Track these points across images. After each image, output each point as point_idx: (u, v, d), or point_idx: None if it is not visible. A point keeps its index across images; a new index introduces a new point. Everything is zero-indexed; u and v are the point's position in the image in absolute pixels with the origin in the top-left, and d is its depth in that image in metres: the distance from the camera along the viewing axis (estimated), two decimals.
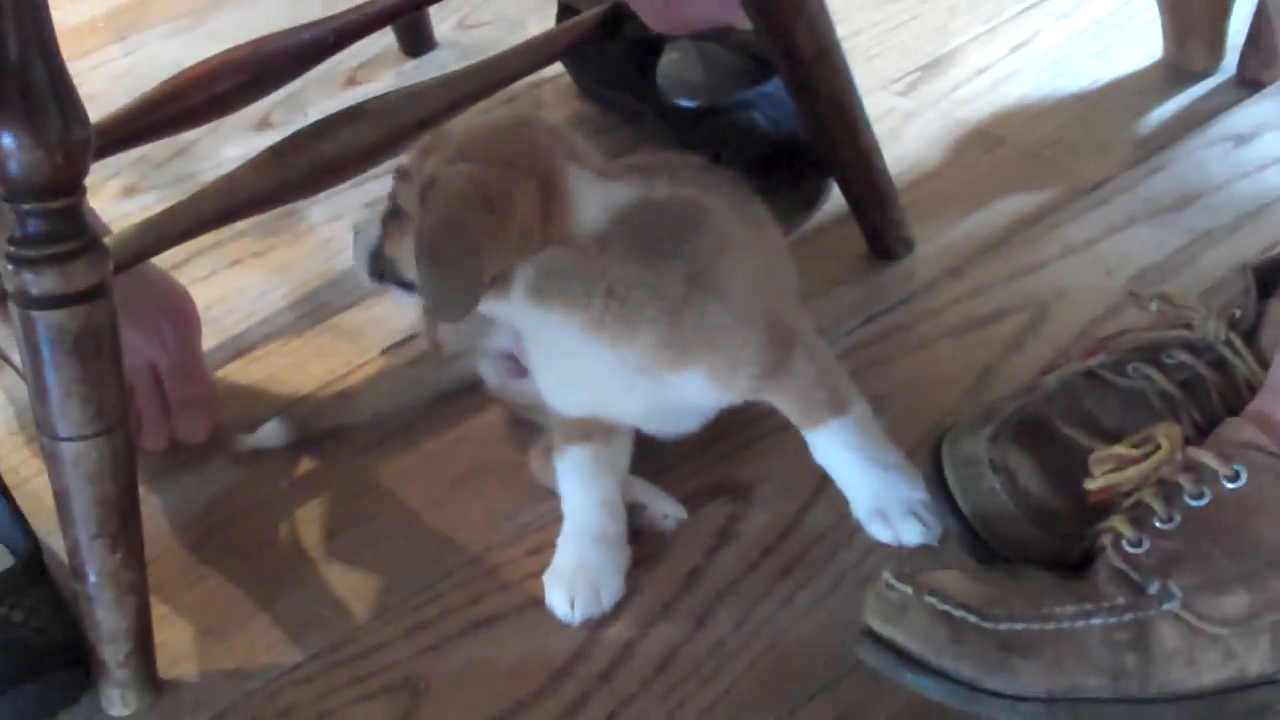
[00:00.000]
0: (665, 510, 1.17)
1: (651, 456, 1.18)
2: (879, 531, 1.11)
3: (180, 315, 1.29)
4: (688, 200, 1.07)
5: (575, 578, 1.11)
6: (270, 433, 1.27)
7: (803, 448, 1.13)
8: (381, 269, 1.09)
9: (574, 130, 1.06)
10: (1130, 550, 0.97)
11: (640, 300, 1.04)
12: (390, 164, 1.12)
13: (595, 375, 1.09)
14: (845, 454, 1.11)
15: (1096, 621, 0.95)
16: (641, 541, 1.14)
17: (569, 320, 1.05)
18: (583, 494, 1.13)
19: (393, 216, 1.07)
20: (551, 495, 1.16)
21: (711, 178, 1.14)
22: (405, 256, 1.05)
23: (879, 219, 1.38)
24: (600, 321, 1.04)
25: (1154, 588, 0.96)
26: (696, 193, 1.08)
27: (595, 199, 1.03)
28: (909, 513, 1.10)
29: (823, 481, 1.14)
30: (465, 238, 0.99)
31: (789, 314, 1.11)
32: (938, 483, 1.09)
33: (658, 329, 1.04)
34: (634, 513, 1.15)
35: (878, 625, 0.97)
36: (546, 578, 1.12)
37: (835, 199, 1.41)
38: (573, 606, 1.10)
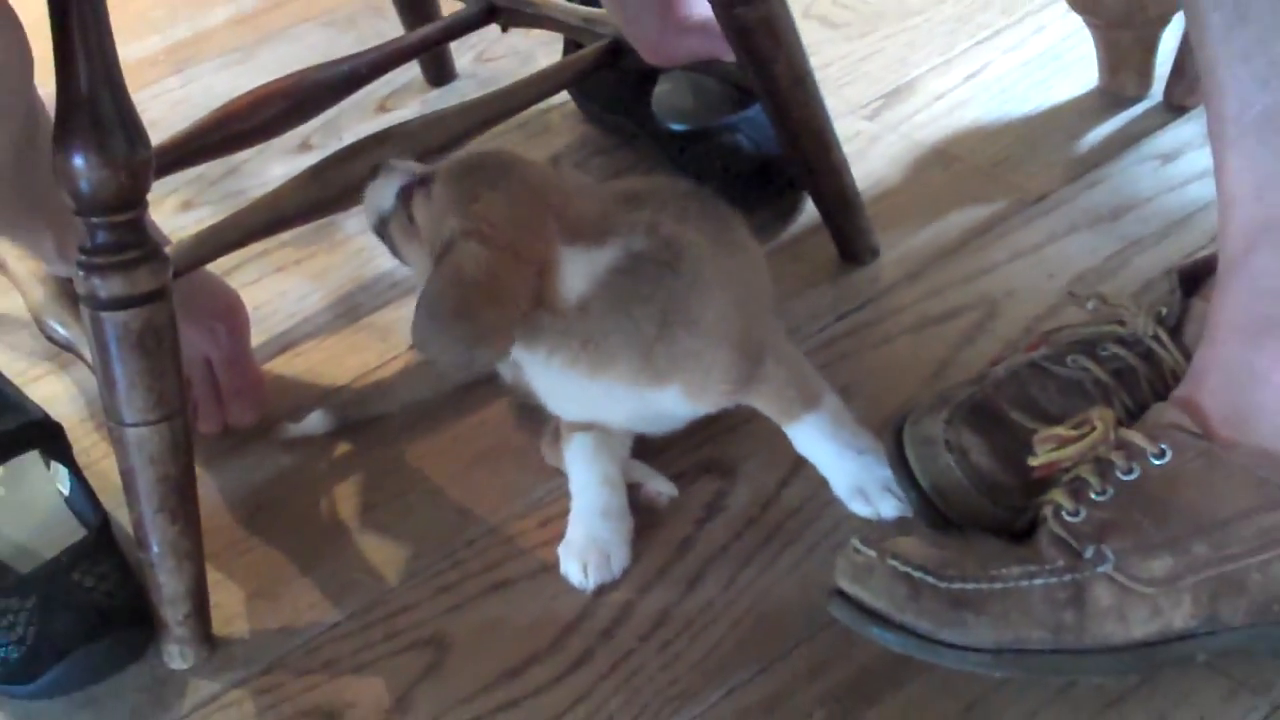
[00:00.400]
0: (658, 488, 1.17)
1: (646, 439, 1.18)
2: (860, 508, 1.10)
3: (231, 315, 1.29)
4: (665, 243, 1.04)
5: (587, 549, 1.11)
6: (314, 421, 1.26)
7: (782, 431, 1.13)
8: (382, 232, 1.10)
9: (569, 174, 1.04)
10: (1069, 519, 0.97)
11: (615, 343, 1.03)
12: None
13: (582, 394, 1.08)
14: (822, 443, 1.11)
15: (1039, 582, 0.95)
16: (639, 515, 1.14)
17: (550, 361, 1.05)
18: (587, 473, 1.13)
19: (403, 207, 1.07)
20: (560, 474, 1.16)
21: (694, 203, 1.12)
22: (404, 245, 1.07)
23: (848, 228, 1.37)
24: (577, 359, 1.04)
25: (1090, 552, 0.96)
26: (675, 227, 1.06)
27: (581, 272, 1.01)
28: (885, 490, 1.10)
29: (800, 461, 1.14)
30: (471, 323, 0.98)
31: (759, 328, 1.09)
32: (899, 460, 1.08)
33: (632, 362, 1.04)
34: (630, 491, 1.15)
35: (846, 585, 0.97)
36: (561, 550, 1.12)
37: (809, 210, 1.41)
38: (586, 574, 1.10)
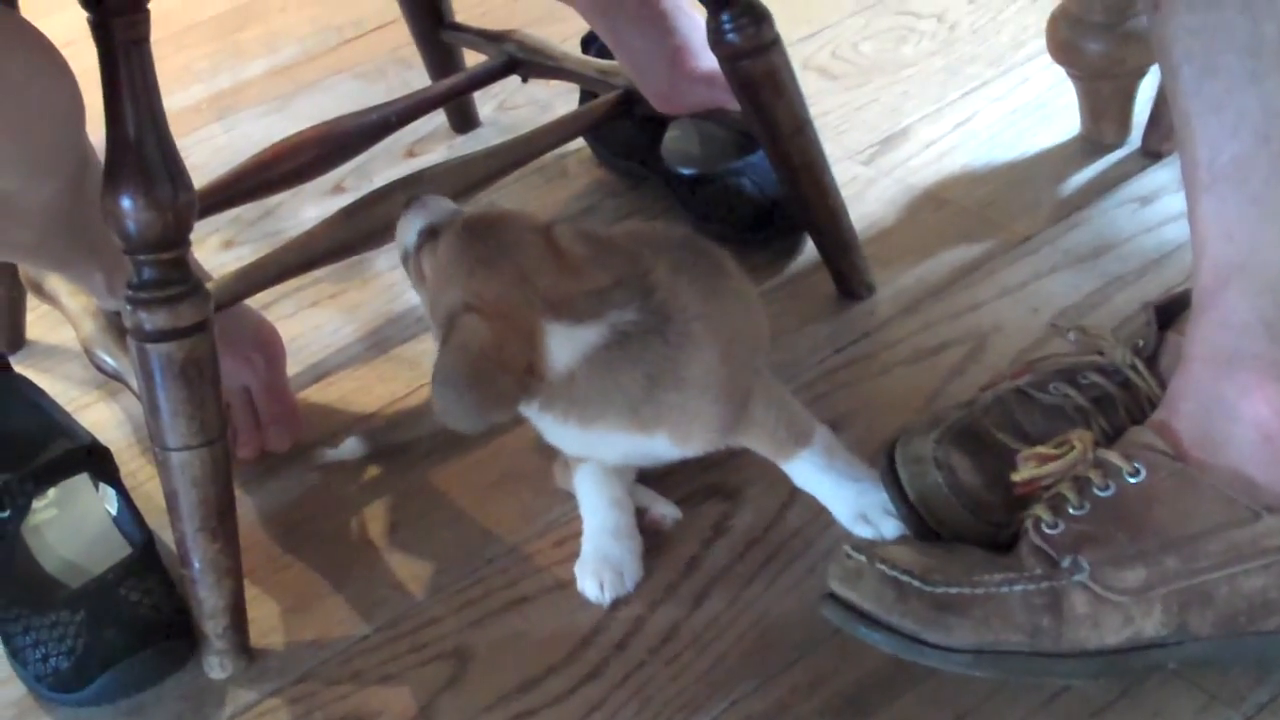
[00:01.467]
0: (663, 511, 1.17)
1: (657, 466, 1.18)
2: (863, 531, 1.09)
3: (269, 346, 1.29)
4: (654, 311, 1.02)
5: (601, 566, 1.11)
6: (349, 447, 1.27)
7: None
8: (406, 263, 1.11)
9: (568, 234, 1.03)
10: (1048, 531, 0.97)
11: (601, 404, 1.02)
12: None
13: (577, 438, 1.08)
14: (819, 476, 1.10)
15: (1018, 588, 0.95)
16: (647, 537, 1.14)
17: (542, 415, 1.05)
18: (597, 496, 1.13)
19: (417, 251, 1.08)
20: (572, 497, 1.17)
21: (689, 251, 1.10)
22: (416, 284, 1.10)
23: (845, 266, 1.37)
24: (568, 415, 1.04)
25: (1067, 562, 0.96)
26: (668, 290, 1.03)
27: (566, 347, 1.00)
28: (885, 513, 1.09)
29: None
30: (481, 391, 0.99)
31: (746, 376, 1.08)
32: (890, 477, 1.08)
33: (620, 418, 1.03)
34: (637, 515, 1.15)
35: (838, 587, 0.97)
36: (577, 569, 1.12)
37: (809, 250, 1.41)
38: (603, 589, 1.11)
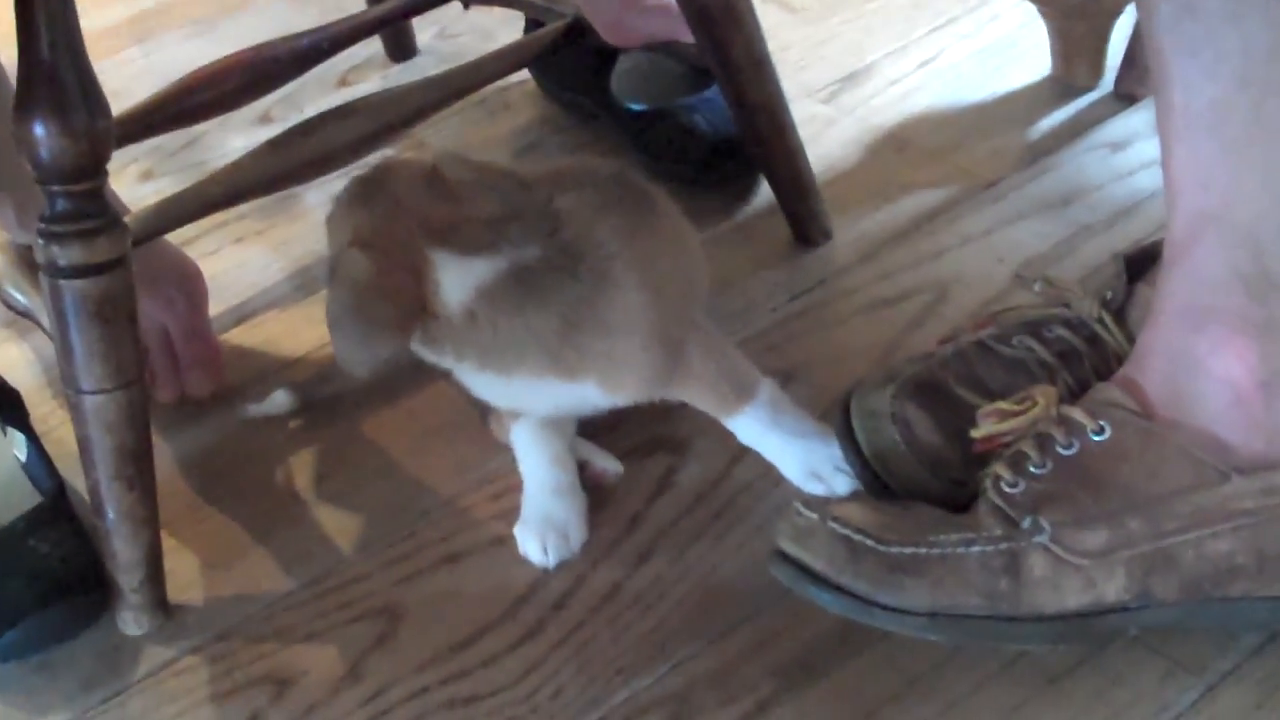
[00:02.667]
0: (605, 465, 1.17)
1: (596, 416, 1.17)
2: (815, 488, 1.10)
3: (190, 285, 1.28)
4: (562, 249, 1.02)
5: (544, 527, 1.11)
6: (276, 401, 1.26)
7: None
8: None
9: (465, 171, 1.04)
10: (1008, 490, 0.98)
11: (516, 353, 1.03)
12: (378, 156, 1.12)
13: (503, 389, 1.09)
14: (765, 432, 1.10)
15: (975, 549, 0.96)
16: (589, 494, 1.15)
17: (460, 363, 1.06)
18: (537, 454, 1.13)
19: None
20: (510, 448, 1.17)
21: (618, 188, 1.09)
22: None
23: (802, 210, 1.38)
24: (485, 362, 1.05)
25: (1027, 522, 0.97)
26: (580, 227, 1.03)
27: (458, 281, 1.01)
28: (836, 469, 1.10)
29: None
30: (363, 319, 1.00)
31: (681, 323, 1.08)
32: (845, 432, 1.09)
33: (540, 361, 1.04)
34: (579, 470, 1.15)
35: (788, 546, 0.97)
36: (518, 530, 1.12)
37: (764, 192, 1.41)
38: (546, 552, 1.11)
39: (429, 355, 1.07)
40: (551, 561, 1.10)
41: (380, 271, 1.00)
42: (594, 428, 1.19)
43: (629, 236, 1.04)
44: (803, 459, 1.10)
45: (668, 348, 1.06)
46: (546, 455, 1.13)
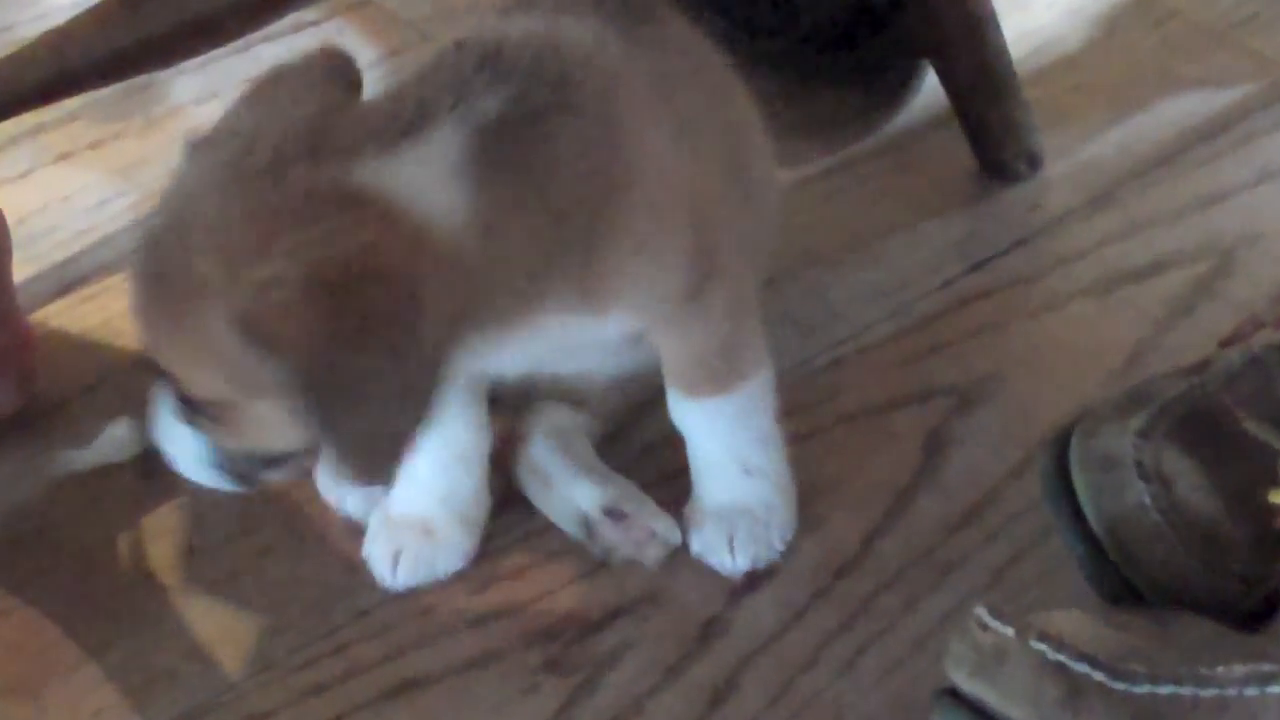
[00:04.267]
0: (653, 526, 1.18)
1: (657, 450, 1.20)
2: (713, 555, 1.17)
3: None
4: (546, 82, 1.04)
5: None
6: (117, 439, 1.27)
7: (879, 442, 1.16)
8: (231, 468, 1.10)
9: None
10: None
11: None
12: (293, 19, 1.12)
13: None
14: (707, 441, 1.17)
15: (1275, 690, 0.95)
16: (624, 575, 1.16)
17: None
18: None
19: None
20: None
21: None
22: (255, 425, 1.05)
23: (993, 121, 1.39)
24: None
25: None
26: (554, 40, 1.06)
27: (417, 183, 1.00)
28: (764, 545, 1.16)
29: (910, 488, 1.16)
30: (379, 332, 0.97)
31: (717, 223, 1.11)
32: (1060, 489, 1.10)
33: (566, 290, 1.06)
34: (607, 526, 1.18)
35: (963, 680, 0.98)
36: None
37: (931, 90, 1.43)
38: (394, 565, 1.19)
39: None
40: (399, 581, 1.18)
41: (353, 245, 0.98)
42: (650, 469, 1.21)
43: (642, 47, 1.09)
44: (719, 499, 1.18)
45: (701, 254, 1.09)
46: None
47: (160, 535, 1.23)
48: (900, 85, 1.46)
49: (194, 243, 0.97)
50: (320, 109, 1.01)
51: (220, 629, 1.17)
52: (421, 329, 0.95)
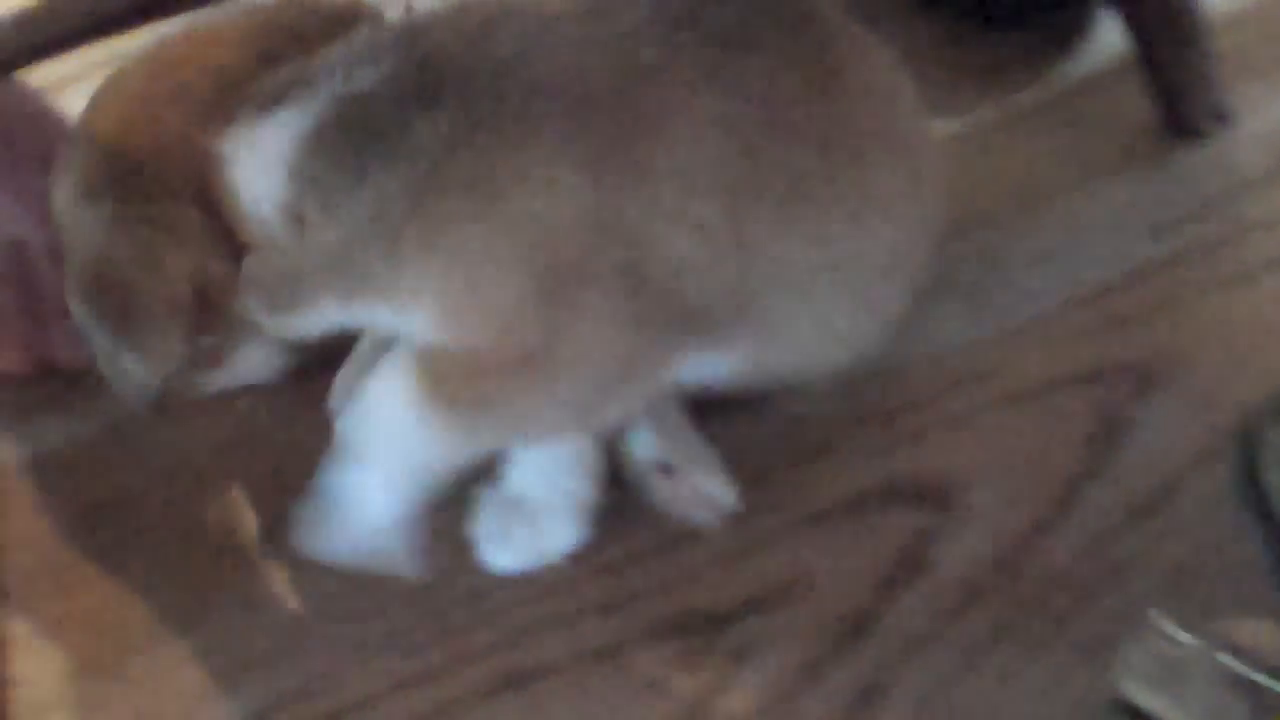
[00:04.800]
0: (702, 486, 1.17)
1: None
2: (494, 551, 1.16)
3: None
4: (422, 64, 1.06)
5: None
6: (255, 359, 1.29)
7: (1047, 424, 1.15)
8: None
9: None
10: None
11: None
12: None
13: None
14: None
15: None
16: (759, 562, 1.13)
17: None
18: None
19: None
20: None
21: None
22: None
23: (1180, 73, 1.36)
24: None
25: None
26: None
27: (258, 163, 1.05)
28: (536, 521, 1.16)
29: (1080, 477, 1.13)
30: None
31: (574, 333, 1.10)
32: (1250, 488, 1.07)
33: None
34: (657, 480, 1.18)
35: (1138, 693, 0.95)
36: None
37: (1106, 35, 1.41)
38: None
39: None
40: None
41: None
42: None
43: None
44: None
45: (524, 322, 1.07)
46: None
47: (251, 506, 1.22)
48: (1074, 28, 1.46)
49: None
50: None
51: (314, 608, 1.16)
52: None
